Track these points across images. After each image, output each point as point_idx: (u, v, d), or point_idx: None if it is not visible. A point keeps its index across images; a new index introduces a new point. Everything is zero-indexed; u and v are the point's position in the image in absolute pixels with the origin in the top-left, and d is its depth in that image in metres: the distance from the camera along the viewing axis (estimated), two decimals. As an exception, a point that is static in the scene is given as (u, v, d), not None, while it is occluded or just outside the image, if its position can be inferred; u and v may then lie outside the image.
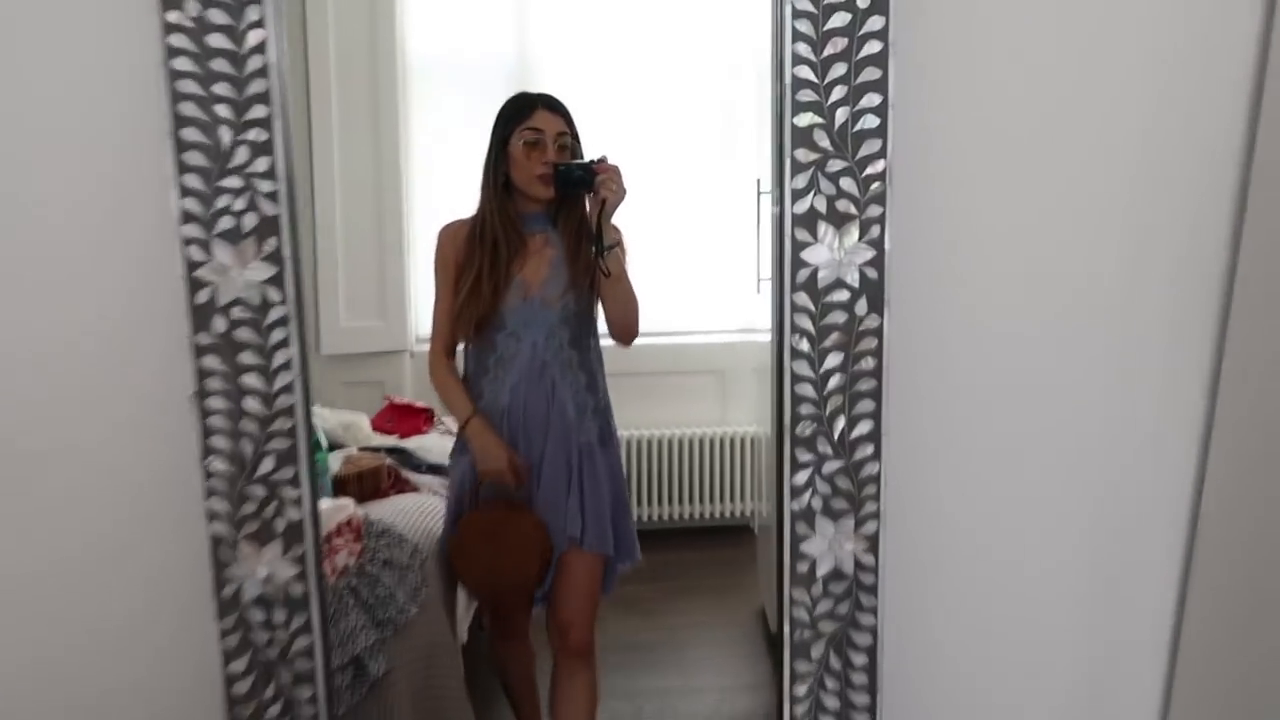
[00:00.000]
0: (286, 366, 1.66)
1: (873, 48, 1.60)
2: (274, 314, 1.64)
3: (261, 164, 1.60)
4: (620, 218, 1.88)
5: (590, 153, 1.92)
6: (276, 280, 1.63)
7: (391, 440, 2.49)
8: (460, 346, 2.01)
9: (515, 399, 1.94)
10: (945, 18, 1.67)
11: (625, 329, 1.96)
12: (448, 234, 1.99)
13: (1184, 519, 1.84)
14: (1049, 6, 1.67)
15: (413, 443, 2.45)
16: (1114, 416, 1.80)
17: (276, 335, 1.65)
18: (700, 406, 4.25)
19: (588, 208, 1.92)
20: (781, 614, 1.81)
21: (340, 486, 2.54)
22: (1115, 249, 1.75)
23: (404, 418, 2.48)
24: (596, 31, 3.93)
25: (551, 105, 1.91)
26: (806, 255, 1.65)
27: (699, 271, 4.18)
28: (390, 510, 2.46)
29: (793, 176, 1.63)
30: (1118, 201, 1.73)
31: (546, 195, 1.91)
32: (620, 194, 1.83)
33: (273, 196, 1.61)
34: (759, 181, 3.26)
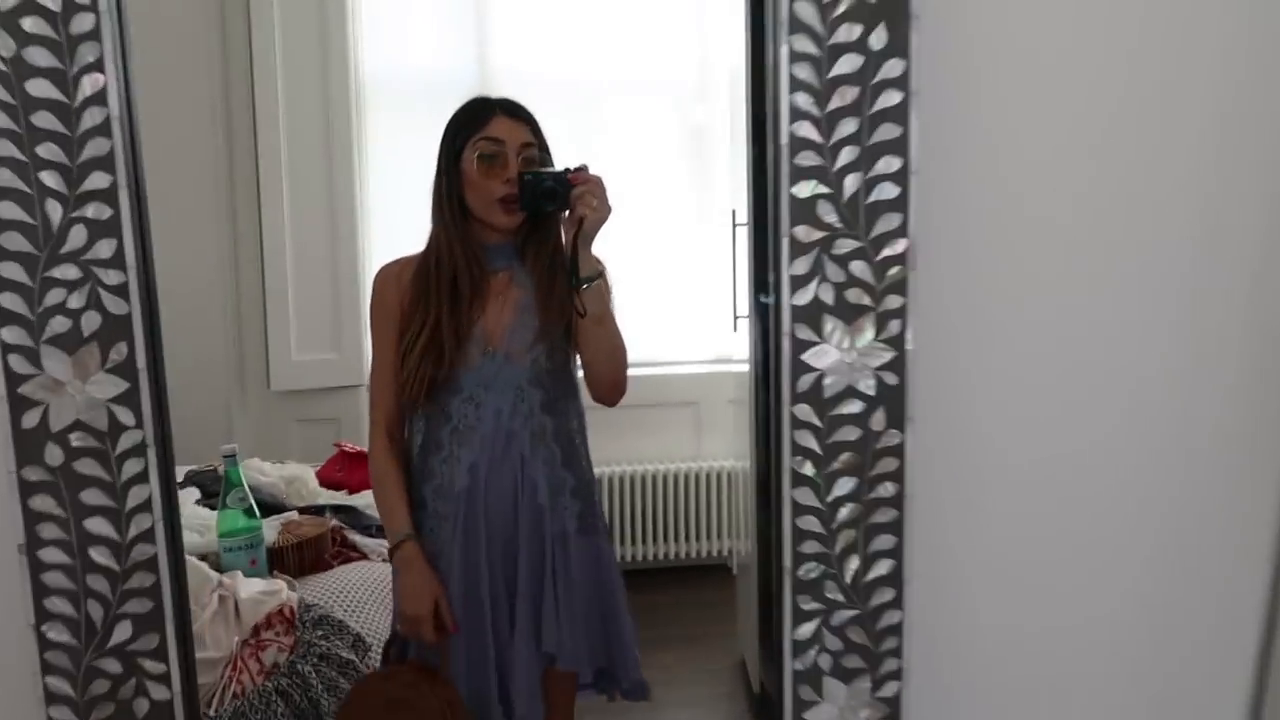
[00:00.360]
0: (145, 507, 1.28)
1: (890, 99, 1.27)
2: (127, 440, 1.27)
3: (104, 248, 1.23)
4: (600, 244, 1.50)
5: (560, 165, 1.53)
6: (129, 398, 1.26)
7: (340, 496, 2.29)
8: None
9: (475, 481, 1.53)
10: (979, 62, 1.35)
11: (610, 385, 1.56)
12: (388, 277, 1.57)
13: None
14: (1105, 51, 1.36)
15: (363, 498, 2.22)
16: (1181, 561, 1.48)
17: (131, 467, 1.27)
18: (675, 440, 3.92)
19: (562, 233, 1.54)
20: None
21: (277, 559, 2.22)
22: (1178, 347, 1.44)
23: (355, 467, 2.28)
24: (561, 52, 3.60)
25: (513, 111, 1.54)
26: (810, 358, 1.32)
27: (672, 301, 3.85)
28: (331, 588, 2.18)
29: (791, 260, 1.30)
30: (1182, 290, 1.43)
31: (509, 223, 1.52)
32: (603, 212, 1.46)
33: (121, 290, 1.24)
34: (734, 213, 2.97)
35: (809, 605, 1.36)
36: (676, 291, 3.79)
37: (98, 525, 1.27)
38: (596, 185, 1.45)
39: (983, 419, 1.41)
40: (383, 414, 1.59)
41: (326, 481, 2.65)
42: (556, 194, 1.45)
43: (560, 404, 1.57)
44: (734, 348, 3.19)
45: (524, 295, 1.54)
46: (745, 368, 2.93)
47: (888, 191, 1.29)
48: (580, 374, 1.59)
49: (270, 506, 2.49)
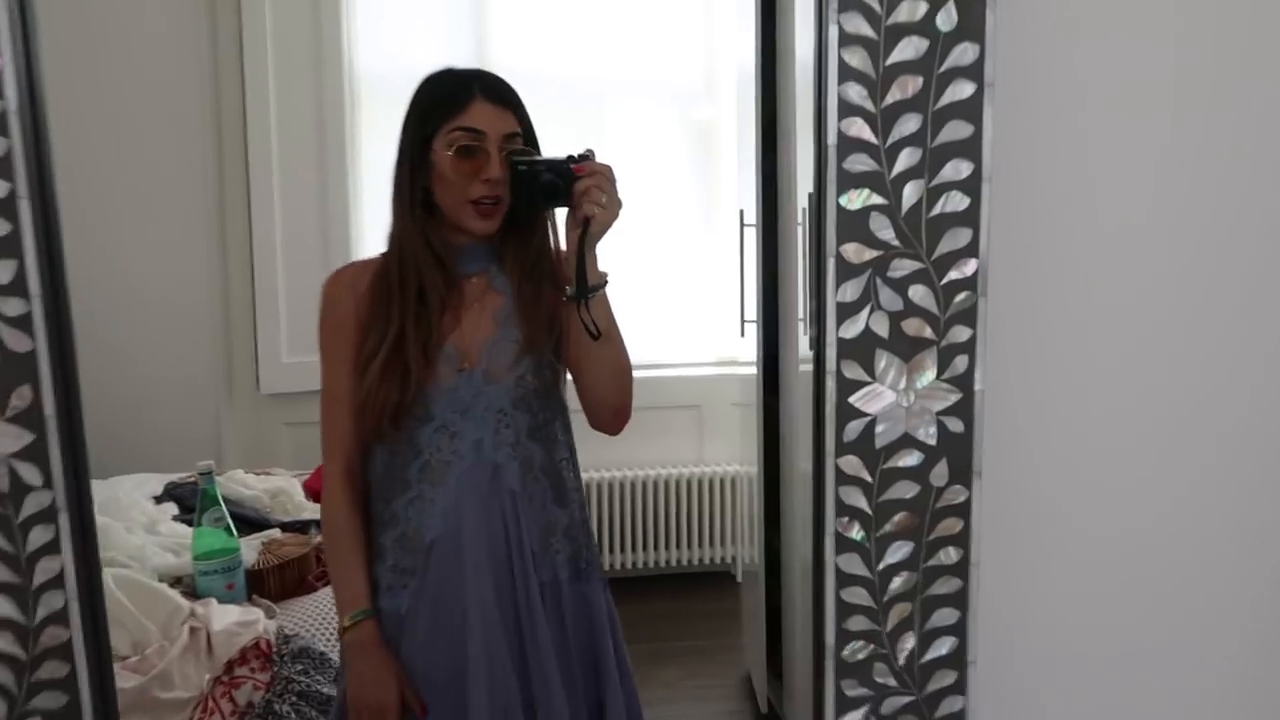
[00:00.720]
0: (56, 583, 1.06)
1: (961, 91, 1.06)
2: (32, 504, 1.04)
3: (1, 272, 1.00)
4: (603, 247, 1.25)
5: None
6: (34, 452, 1.03)
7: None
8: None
9: (450, 528, 1.27)
10: (1066, 49, 1.13)
11: (615, 410, 1.31)
12: (341, 284, 1.32)
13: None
14: (1215, 37, 1.14)
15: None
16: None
17: (39, 536, 1.05)
18: (677, 444, 3.76)
19: (550, 235, 1.30)
20: None
21: (256, 581, 2.07)
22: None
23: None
24: (561, 49, 3.41)
25: (496, 93, 1.26)
26: (860, 401, 1.10)
27: (674, 302, 3.67)
28: (313, 614, 2.03)
29: (839, 284, 1.08)
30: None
31: (485, 229, 1.27)
32: (613, 209, 1.21)
33: (22, 323, 1.01)
34: (741, 213, 2.78)
35: (855, 691, 1.15)
36: (679, 292, 3.60)
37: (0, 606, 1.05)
38: (605, 177, 1.20)
39: (1061, 473, 1.19)
40: (339, 450, 1.33)
41: (314, 492, 2.45)
42: (557, 189, 1.21)
43: (548, 429, 1.32)
44: (739, 350, 3.02)
45: (504, 302, 1.31)
46: (751, 370, 2.79)
47: (955, 202, 1.07)
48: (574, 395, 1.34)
49: (254, 522, 2.29)
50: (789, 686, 2.58)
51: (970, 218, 1.08)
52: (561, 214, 1.26)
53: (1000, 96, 1.07)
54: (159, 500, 2.41)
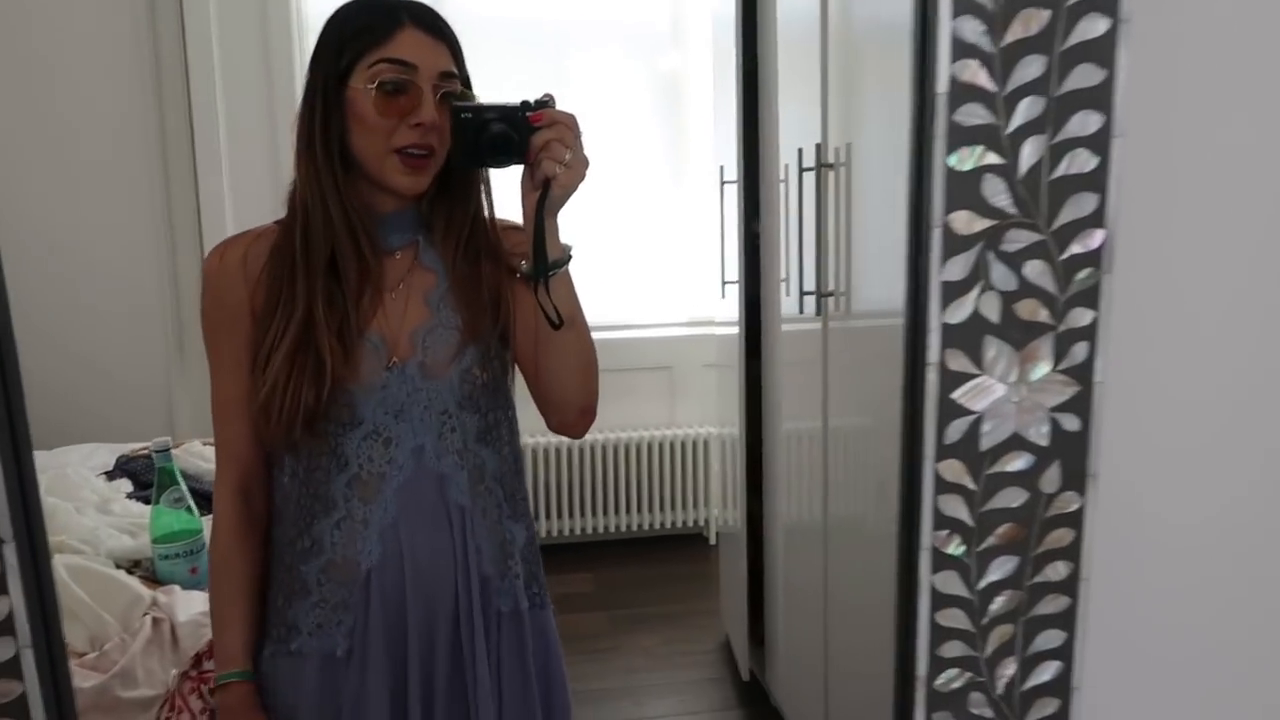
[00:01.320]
0: (4, 629, 0.87)
1: (1092, 27, 0.88)
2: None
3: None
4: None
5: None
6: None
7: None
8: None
9: (391, 554, 1.08)
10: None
11: (582, 408, 1.12)
12: (228, 264, 1.08)
13: None
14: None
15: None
16: None
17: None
18: (647, 406, 3.64)
19: (485, 199, 1.11)
20: None
21: None
22: None
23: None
24: None
25: (429, 22, 1.05)
26: (962, 397, 0.94)
27: (642, 261, 3.51)
28: None
29: (944, 261, 0.91)
30: None
31: (412, 186, 1.06)
32: (578, 167, 1.00)
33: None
34: (721, 169, 2.61)
35: (947, 723, 1.01)
36: (647, 251, 3.45)
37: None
38: (568, 129, 1.00)
39: (1184, 479, 1.04)
40: (232, 465, 1.12)
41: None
42: (510, 142, 0.99)
43: (498, 430, 1.13)
44: (715, 310, 2.90)
45: (436, 282, 1.11)
46: (728, 331, 2.67)
47: (1082, 162, 0.90)
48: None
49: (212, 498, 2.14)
50: (770, 654, 2.50)
51: (1097, 181, 0.91)
52: (504, 174, 1.05)
53: (1136, 36, 0.89)
54: (110, 476, 2.22)
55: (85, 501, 2.07)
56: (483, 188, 1.12)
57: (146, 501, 2.02)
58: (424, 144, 1.03)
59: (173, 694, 1.77)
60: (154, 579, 1.86)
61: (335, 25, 1.05)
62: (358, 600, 1.08)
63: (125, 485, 2.20)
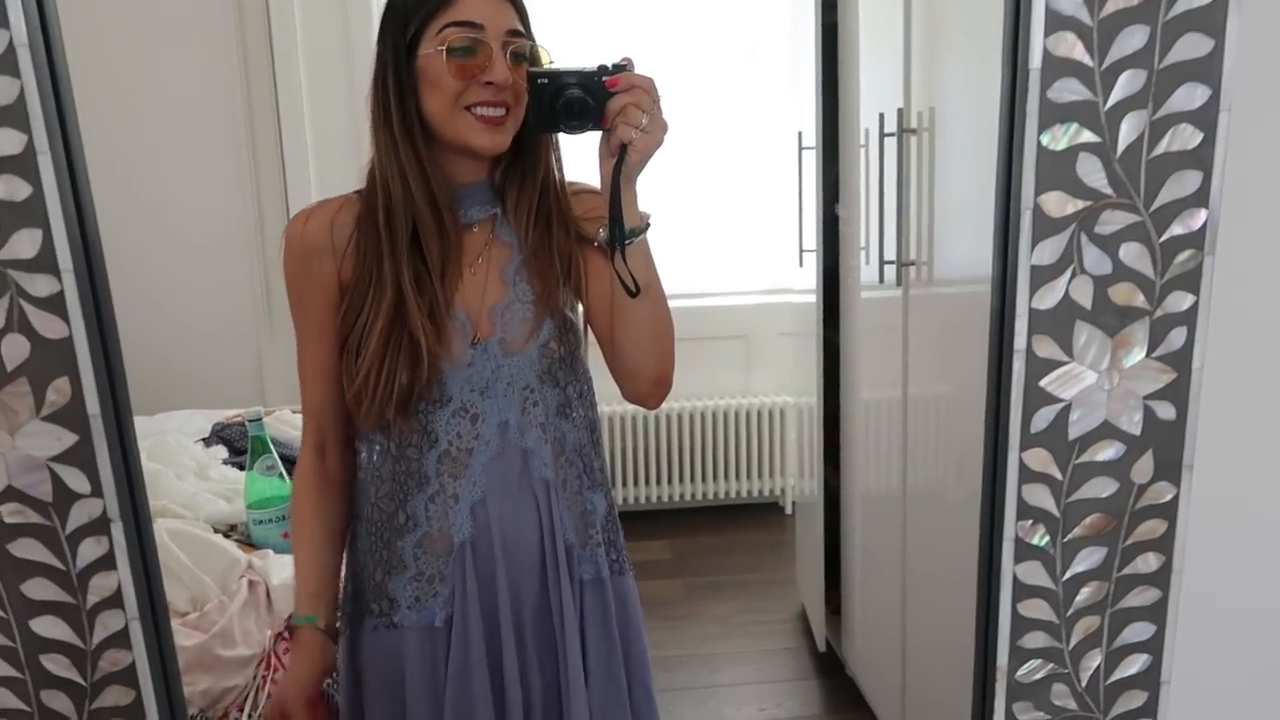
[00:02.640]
0: (114, 602, 0.91)
1: (1199, -2, 0.83)
2: (81, 513, 0.89)
3: (23, 244, 0.83)
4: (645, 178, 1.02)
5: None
6: (79, 455, 0.88)
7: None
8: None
9: (482, 525, 1.10)
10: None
11: (657, 378, 1.10)
12: (316, 231, 1.09)
13: None
14: None
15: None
16: None
17: (90, 550, 0.90)
18: (723, 375, 3.62)
19: (555, 167, 1.10)
20: None
21: None
22: None
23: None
24: None
25: None
26: (1053, 385, 0.91)
27: (718, 227, 3.48)
28: None
29: (1035, 244, 0.87)
30: None
31: (493, 145, 1.04)
32: (656, 133, 0.98)
33: (54, 304, 0.84)
34: (800, 135, 2.56)
35: (1029, 715, 0.99)
36: (723, 218, 3.41)
37: (49, 627, 0.91)
38: (645, 93, 0.97)
39: (1287, 468, 1.00)
40: (312, 423, 1.15)
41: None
42: (586, 107, 0.97)
43: (576, 403, 1.14)
44: (791, 279, 2.86)
45: (512, 255, 1.10)
46: (806, 300, 2.63)
47: (1185, 139, 0.86)
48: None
49: None
50: (847, 624, 2.49)
51: (1202, 159, 0.86)
52: (574, 140, 1.04)
53: (1246, 3, 0.84)
54: (206, 442, 2.30)
55: (184, 467, 2.15)
56: (553, 154, 1.11)
57: (241, 468, 2.09)
58: (498, 100, 1.02)
59: (268, 653, 1.84)
60: (249, 543, 1.92)
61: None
62: (453, 572, 1.11)
63: (221, 451, 2.27)
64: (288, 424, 2.34)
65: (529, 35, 1.05)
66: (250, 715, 1.78)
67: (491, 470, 1.10)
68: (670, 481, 3.57)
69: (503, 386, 1.09)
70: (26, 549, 0.89)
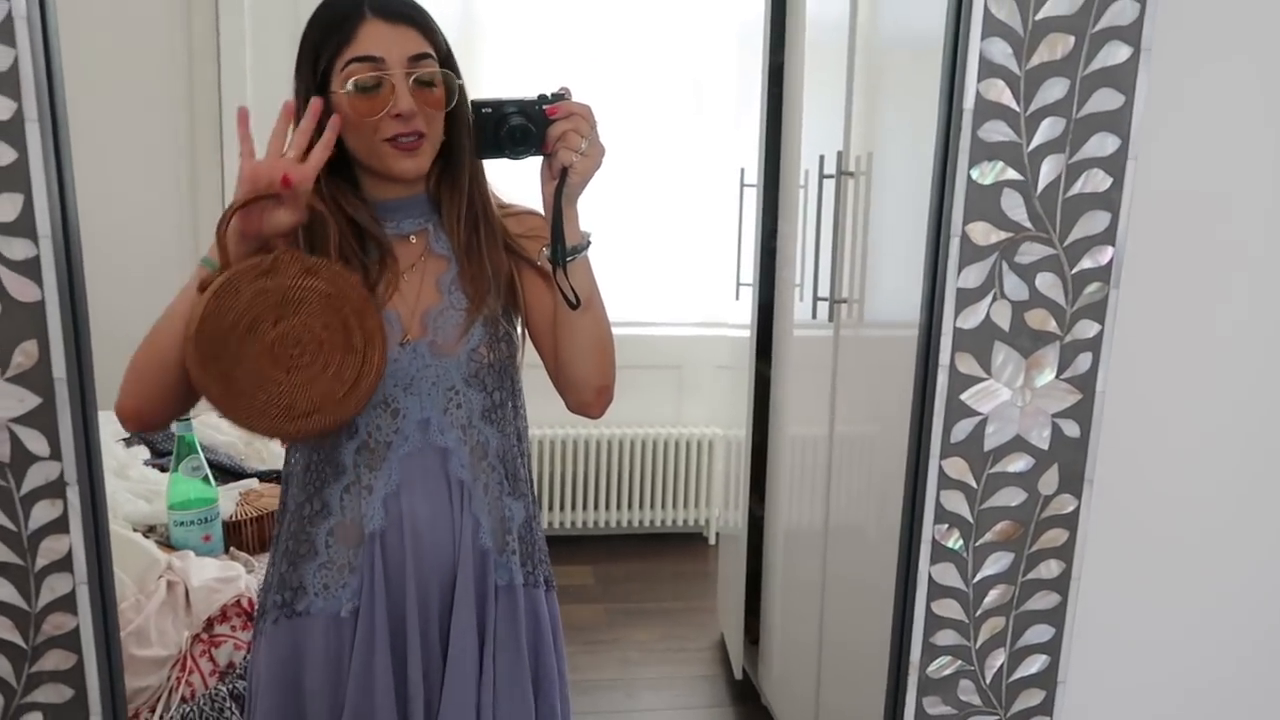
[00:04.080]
0: (63, 565, 0.93)
1: (1114, 54, 0.94)
2: (37, 475, 0.91)
3: (5, 207, 0.85)
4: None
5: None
6: (40, 417, 0.90)
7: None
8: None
9: (394, 518, 1.13)
10: (1232, 15, 1.00)
11: (599, 388, 1.16)
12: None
13: None
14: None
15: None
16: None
17: (43, 512, 0.92)
18: (656, 404, 3.67)
19: (485, 183, 1.14)
20: None
21: (233, 533, 1.96)
22: None
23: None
24: None
25: (390, 8, 1.06)
26: (972, 399, 0.99)
27: (655, 259, 3.56)
28: None
29: (961, 268, 0.96)
30: None
31: (412, 169, 1.09)
32: (594, 155, 1.04)
33: (29, 268, 0.87)
34: (742, 172, 2.65)
35: (938, 710, 1.06)
36: (661, 250, 3.50)
37: (-4, 589, 0.92)
38: (583, 119, 1.03)
39: (1175, 487, 1.09)
40: None
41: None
42: (528, 133, 1.03)
43: (503, 410, 1.18)
44: (727, 313, 2.94)
45: (448, 266, 1.15)
46: (740, 334, 2.71)
47: (1096, 182, 0.96)
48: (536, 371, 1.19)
49: (227, 470, 2.16)
50: (765, 653, 2.54)
51: (1110, 200, 0.96)
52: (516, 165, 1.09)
53: (1156, 63, 0.94)
54: (128, 443, 2.27)
55: (105, 467, 2.12)
56: (481, 172, 1.15)
57: (162, 469, 2.06)
58: (410, 130, 1.06)
59: (184, 654, 1.82)
60: (168, 544, 1.90)
61: (308, 31, 1.08)
62: (362, 562, 1.13)
63: (142, 452, 2.24)
64: (214, 428, 2.32)
65: (439, 51, 1.08)
66: (162, 717, 1.76)
67: (408, 465, 1.13)
68: (597, 507, 3.60)
69: (427, 385, 1.13)
70: (-24, 508, 0.90)
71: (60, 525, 0.91)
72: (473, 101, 1.06)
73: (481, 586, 1.16)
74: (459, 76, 1.09)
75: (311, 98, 1.03)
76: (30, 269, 0.86)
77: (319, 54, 1.05)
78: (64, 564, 0.92)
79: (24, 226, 0.85)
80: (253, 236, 0.99)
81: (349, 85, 1.03)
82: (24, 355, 0.88)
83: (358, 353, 1.02)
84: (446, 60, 1.08)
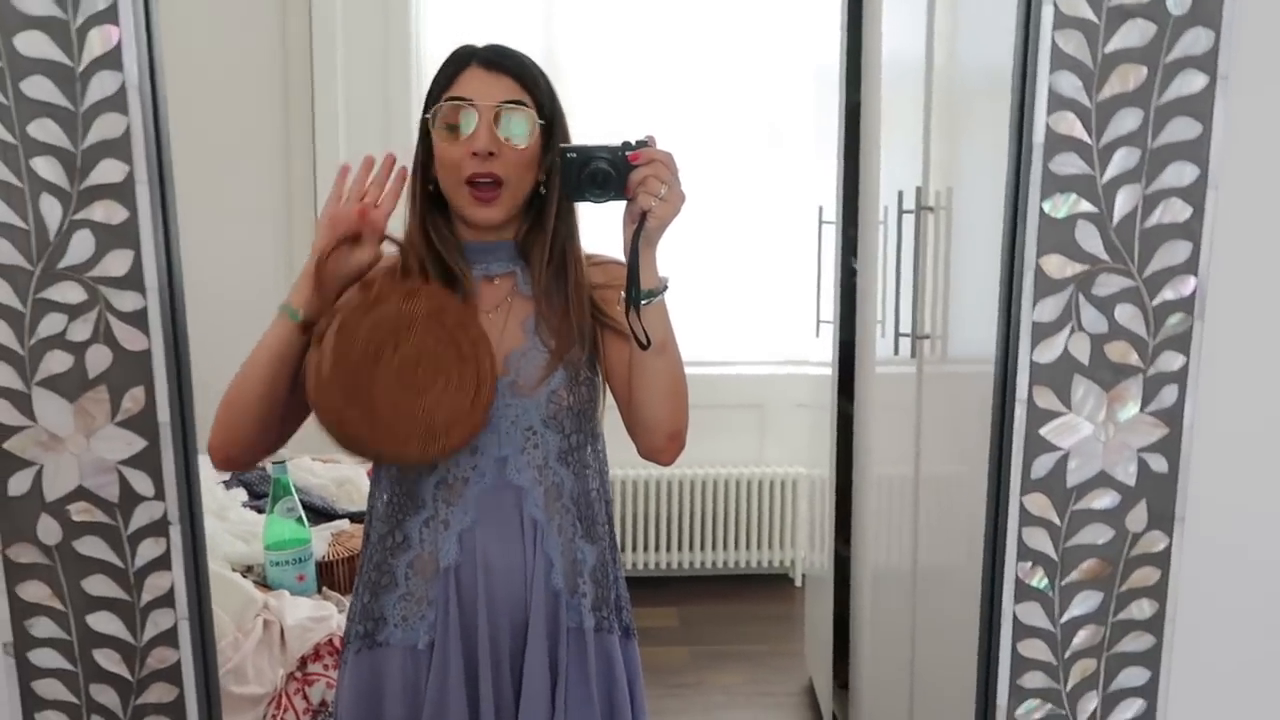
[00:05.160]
0: (166, 601, 0.98)
1: (1189, 83, 0.92)
2: (143, 514, 0.96)
3: (116, 263, 0.92)
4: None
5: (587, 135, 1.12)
6: (147, 459, 0.95)
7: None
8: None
9: (468, 553, 1.15)
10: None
11: (670, 433, 1.16)
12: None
13: None
14: None
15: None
16: None
17: (148, 550, 0.97)
18: (737, 443, 3.66)
19: (575, 231, 1.19)
20: None
21: (325, 573, 2.00)
22: None
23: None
24: (630, 24, 3.32)
25: (494, 60, 1.13)
26: (1052, 434, 0.98)
27: (735, 298, 3.58)
28: None
29: (1036, 301, 0.95)
30: None
31: (485, 217, 1.14)
32: (674, 202, 1.06)
33: (138, 319, 0.93)
34: (820, 209, 2.66)
35: (1028, 755, 1.03)
36: (740, 288, 3.51)
37: (105, 622, 0.97)
38: (664, 166, 1.05)
39: (1275, 522, 1.05)
40: None
41: (377, 481, 2.40)
42: (610, 178, 1.06)
43: (580, 454, 1.19)
44: (808, 350, 2.93)
45: (529, 308, 1.19)
46: (821, 371, 2.69)
47: (1175, 212, 0.94)
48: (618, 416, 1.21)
49: (320, 511, 2.23)
50: (855, 698, 2.49)
51: (1191, 230, 0.94)
52: (590, 209, 1.13)
53: (1234, 91, 0.93)
54: (227, 485, 2.37)
55: (205, 508, 2.20)
56: (568, 223, 1.19)
57: (259, 511, 2.14)
58: (484, 172, 1.11)
59: (280, 693, 1.88)
60: (265, 584, 1.96)
61: (436, 76, 1.16)
62: (439, 596, 1.16)
63: (241, 494, 2.33)
64: (306, 470, 2.40)
65: (537, 101, 1.13)
66: (258, 753, 1.81)
67: (484, 502, 1.16)
68: (681, 549, 3.58)
69: (506, 424, 1.15)
70: (90, 546, 0.96)
71: (163, 563, 0.96)
72: (560, 146, 1.10)
73: (554, 626, 1.18)
74: (565, 133, 1.15)
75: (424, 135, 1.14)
76: (139, 320, 0.92)
77: (432, 95, 1.14)
78: (167, 600, 0.97)
79: (133, 280, 0.92)
80: (331, 276, 1.08)
81: (443, 123, 1.11)
82: (132, 401, 0.93)
83: (469, 360, 1.07)
84: (548, 114, 1.14)
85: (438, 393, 1.06)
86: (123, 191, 0.90)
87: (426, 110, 1.14)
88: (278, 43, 2.89)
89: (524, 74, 1.13)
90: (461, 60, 1.13)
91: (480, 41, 1.15)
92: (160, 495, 0.95)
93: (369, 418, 1.04)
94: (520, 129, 1.11)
